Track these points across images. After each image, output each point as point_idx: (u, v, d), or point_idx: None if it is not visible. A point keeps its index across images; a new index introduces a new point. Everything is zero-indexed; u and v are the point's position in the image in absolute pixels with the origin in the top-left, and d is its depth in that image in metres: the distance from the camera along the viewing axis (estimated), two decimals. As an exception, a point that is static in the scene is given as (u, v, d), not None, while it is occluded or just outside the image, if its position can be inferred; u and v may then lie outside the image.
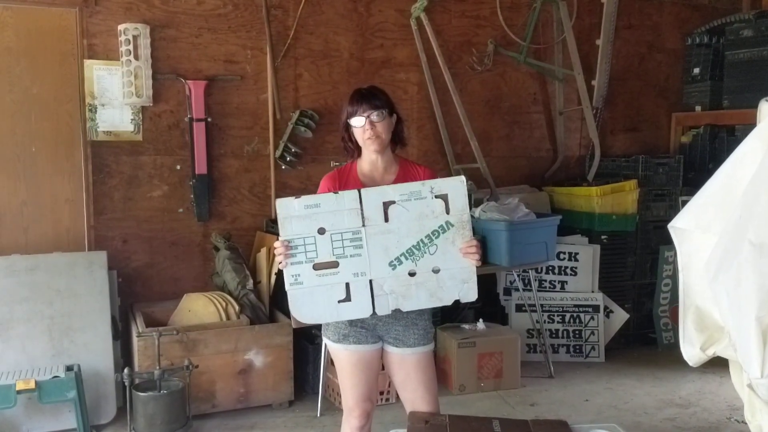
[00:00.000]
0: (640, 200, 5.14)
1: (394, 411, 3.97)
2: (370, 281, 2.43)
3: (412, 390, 2.63)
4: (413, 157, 4.82)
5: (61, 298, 3.85)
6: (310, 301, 2.45)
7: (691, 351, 2.10)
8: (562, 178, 5.51)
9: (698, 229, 2.05)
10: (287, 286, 2.45)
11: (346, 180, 2.61)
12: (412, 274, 2.44)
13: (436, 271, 2.45)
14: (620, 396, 4.35)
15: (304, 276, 2.43)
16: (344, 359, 2.61)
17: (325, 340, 2.70)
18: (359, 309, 2.44)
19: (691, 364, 2.14)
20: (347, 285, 2.43)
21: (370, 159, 2.63)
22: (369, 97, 2.57)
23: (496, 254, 4.36)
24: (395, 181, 2.61)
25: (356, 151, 2.65)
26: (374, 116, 2.55)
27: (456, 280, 2.46)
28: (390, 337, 2.61)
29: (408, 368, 2.62)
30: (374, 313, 2.44)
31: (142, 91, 4.23)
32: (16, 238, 4.15)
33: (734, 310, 1.78)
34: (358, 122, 2.55)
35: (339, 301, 2.44)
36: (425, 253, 2.44)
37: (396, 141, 2.66)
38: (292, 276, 2.44)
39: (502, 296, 5.10)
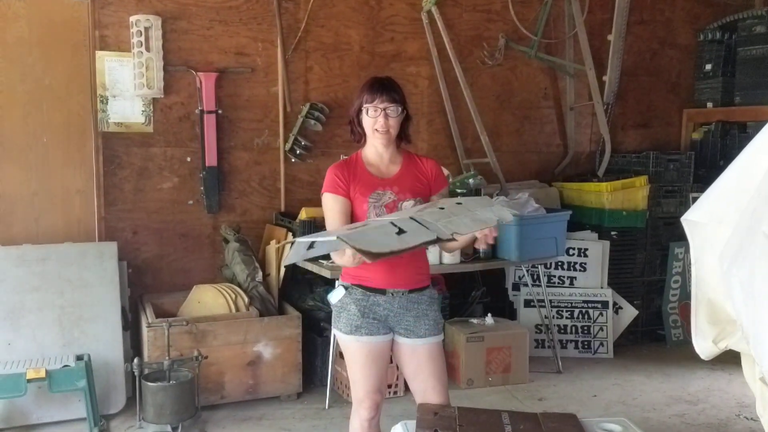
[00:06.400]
0: (651, 196, 5.13)
1: (402, 404, 3.97)
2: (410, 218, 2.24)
3: (423, 380, 2.64)
4: (423, 151, 4.83)
5: (72, 288, 3.87)
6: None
7: (704, 344, 2.08)
8: (572, 173, 5.50)
9: (712, 222, 2.03)
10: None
11: (354, 169, 2.62)
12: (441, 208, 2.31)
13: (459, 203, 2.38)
14: (629, 392, 4.34)
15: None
16: (356, 351, 2.61)
17: (335, 333, 2.70)
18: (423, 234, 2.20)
19: (703, 357, 2.13)
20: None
21: (375, 149, 2.65)
22: (389, 89, 2.57)
23: (506, 249, 4.36)
24: (399, 172, 2.65)
25: (362, 137, 2.66)
26: (390, 110, 2.56)
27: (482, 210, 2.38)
28: (401, 328, 2.62)
29: (419, 359, 2.62)
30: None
31: (153, 82, 4.24)
32: (27, 228, 4.17)
33: (748, 302, 1.77)
34: (373, 112, 2.56)
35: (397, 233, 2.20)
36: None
37: (401, 137, 2.67)
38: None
39: (510, 291, 5.10)
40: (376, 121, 2.56)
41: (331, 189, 2.60)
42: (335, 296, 2.65)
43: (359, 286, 2.60)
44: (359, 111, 2.61)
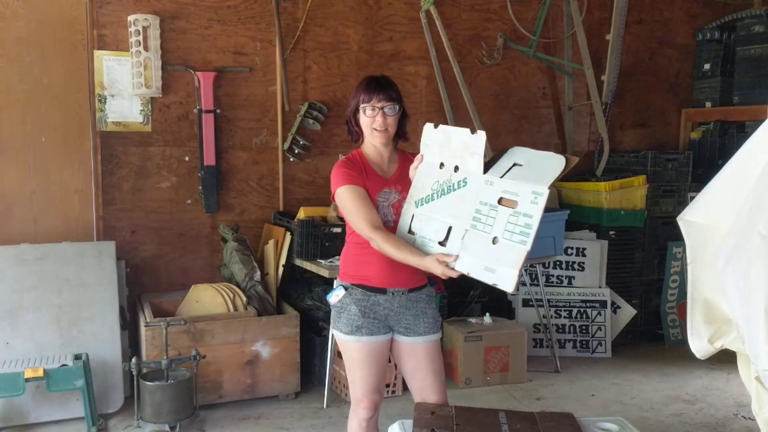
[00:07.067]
0: (649, 196, 5.13)
1: (400, 403, 3.98)
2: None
3: (422, 378, 2.64)
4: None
5: (70, 287, 3.87)
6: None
7: (699, 343, 2.09)
8: (571, 173, 5.44)
9: (708, 221, 2.03)
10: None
11: (362, 166, 2.60)
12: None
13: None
14: (627, 391, 4.34)
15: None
16: (356, 351, 2.60)
17: (335, 333, 2.67)
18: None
19: (698, 356, 2.13)
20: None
21: (375, 148, 2.64)
22: (386, 88, 2.57)
23: (504, 248, 4.35)
24: (398, 171, 2.65)
25: (360, 136, 2.65)
26: (387, 109, 2.56)
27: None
28: (401, 326, 2.62)
29: (418, 357, 2.63)
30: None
31: (151, 82, 4.24)
32: (25, 228, 4.17)
33: (743, 301, 1.77)
34: (370, 111, 2.55)
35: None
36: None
37: (398, 135, 2.67)
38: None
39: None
40: (374, 120, 2.55)
41: (348, 181, 2.54)
42: (335, 297, 2.64)
43: (360, 286, 2.60)
44: (356, 110, 2.60)
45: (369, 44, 4.87)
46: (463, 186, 2.43)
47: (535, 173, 2.29)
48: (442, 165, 2.51)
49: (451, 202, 2.44)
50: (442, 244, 2.42)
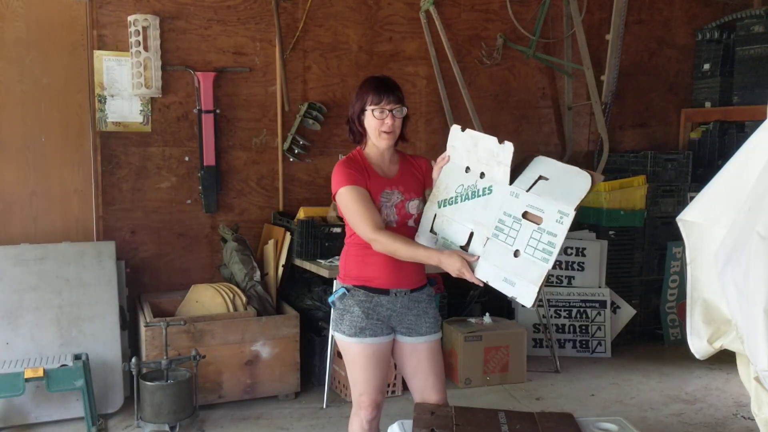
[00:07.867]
0: (649, 196, 5.13)
1: (400, 403, 3.98)
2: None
3: (423, 378, 2.64)
4: (421, 151, 4.84)
5: (70, 287, 3.87)
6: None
7: (699, 344, 2.08)
8: (571, 173, 5.48)
9: (707, 222, 2.03)
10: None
11: (363, 167, 2.59)
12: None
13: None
14: (626, 391, 4.34)
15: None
16: (359, 353, 2.59)
17: (337, 336, 2.66)
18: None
19: (698, 356, 2.13)
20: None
21: (378, 150, 2.63)
22: (394, 90, 2.57)
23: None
24: (400, 172, 2.65)
25: (363, 137, 2.64)
26: (396, 111, 2.56)
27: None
28: (403, 327, 2.63)
29: (420, 356, 2.63)
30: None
31: (151, 82, 4.24)
32: (25, 228, 4.17)
33: (742, 301, 1.77)
34: (379, 113, 2.53)
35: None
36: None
37: (399, 136, 2.66)
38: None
39: (508, 291, 5.10)
40: (383, 122, 2.54)
41: (350, 182, 2.52)
42: (337, 299, 2.63)
43: (362, 287, 2.59)
44: (361, 112, 2.58)
45: (369, 44, 4.87)
46: (488, 194, 2.45)
47: (561, 190, 2.29)
48: (468, 169, 2.54)
49: (475, 208, 2.46)
50: (463, 248, 2.46)
